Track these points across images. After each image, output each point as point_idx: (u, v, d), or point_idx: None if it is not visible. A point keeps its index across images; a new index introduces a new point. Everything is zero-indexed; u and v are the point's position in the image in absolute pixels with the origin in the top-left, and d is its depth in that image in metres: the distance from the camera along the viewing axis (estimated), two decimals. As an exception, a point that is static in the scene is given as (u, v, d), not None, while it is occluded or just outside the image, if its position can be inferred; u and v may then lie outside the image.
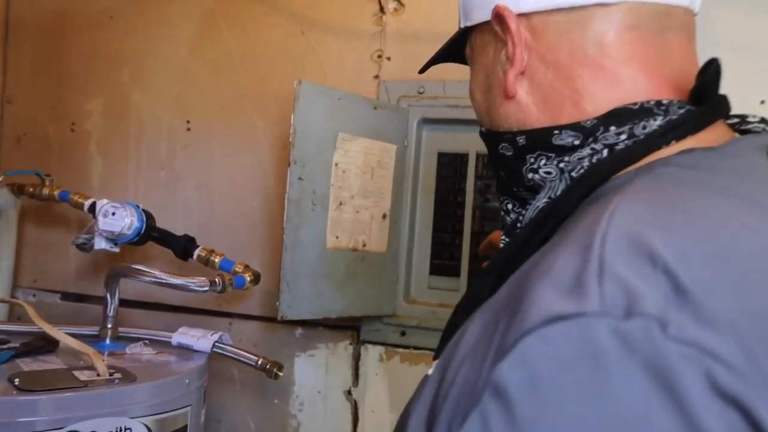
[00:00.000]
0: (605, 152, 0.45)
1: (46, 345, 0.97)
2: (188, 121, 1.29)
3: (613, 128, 0.45)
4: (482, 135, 0.55)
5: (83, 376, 0.86)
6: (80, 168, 1.34)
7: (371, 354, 1.18)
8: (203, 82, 1.29)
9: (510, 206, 0.52)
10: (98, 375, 0.86)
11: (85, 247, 1.12)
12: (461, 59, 0.58)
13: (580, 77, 0.46)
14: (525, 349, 0.32)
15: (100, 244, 1.10)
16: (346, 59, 1.21)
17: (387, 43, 1.18)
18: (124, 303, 1.17)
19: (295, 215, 1.01)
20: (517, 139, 0.49)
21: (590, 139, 0.45)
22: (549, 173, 0.47)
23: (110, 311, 1.08)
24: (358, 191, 1.10)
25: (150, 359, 1.00)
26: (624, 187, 0.40)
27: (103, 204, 1.07)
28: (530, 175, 0.49)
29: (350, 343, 1.20)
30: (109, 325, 1.08)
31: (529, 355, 0.32)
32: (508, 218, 0.53)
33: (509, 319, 0.34)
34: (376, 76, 1.19)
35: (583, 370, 0.30)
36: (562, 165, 0.47)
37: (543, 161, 0.48)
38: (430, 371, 0.40)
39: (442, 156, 1.17)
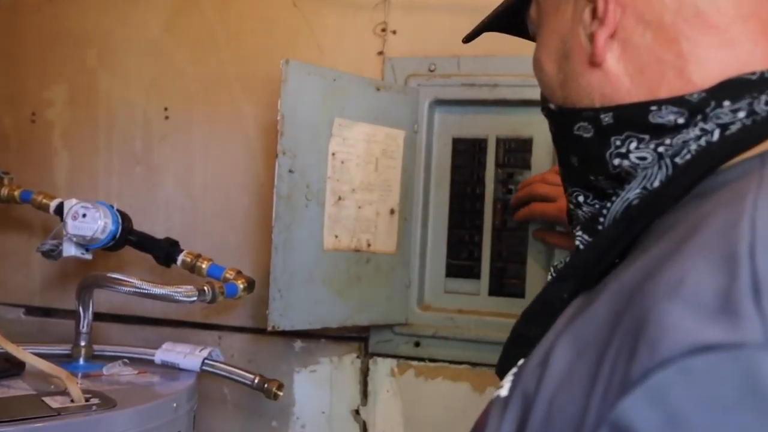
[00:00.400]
0: (716, 133, 0.41)
1: (10, 368, 0.95)
2: (166, 109, 1.26)
3: (726, 103, 0.41)
4: (550, 113, 0.51)
5: (55, 402, 0.83)
6: (43, 164, 1.32)
7: (381, 368, 1.16)
8: (182, 63, 1.25)
9: (581, 198, 0.48)
10: (72, 401, 0.84)
11: (53, 254, 1.09)
12: (517, 27, 0.54)
13: (687, 39, 0.42)
14: (661, 383, 0.28)
15: (69, 250, 1.07)
16: (346, 34, 1.18)
17: (392, 14, 1.16)
18: (97, 317, 1.16)
19: (286, 213, 0.99)
20: (602, 117, 0.45)
21: (698, 117, 0.41)
22: (643, 159, 0.43)
23: (83, 327, 1.06)
24: (360, 184, 1.07)
25: (131, 381, 0.98)
26: (753, 181, 0.36)
27: (71, 204, 1.04)
28: (616, 161, 0.45)
29: (357, 357, 1.18)
30: (83, 343, 1.06)
31: (668, 391, 0.28)
32: (579, 212, 0.49)
33: (630, 344, 0.30)
34: (380, 53, 1.17)
35: (746, 414, 0.27)
36: (661, 149, 0.43)
37: (634, 144, 0.44)
38: (502, 392, 0.36)
39: (457, 142, 1.14)
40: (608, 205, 0.46)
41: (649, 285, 0.32)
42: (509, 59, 1.10)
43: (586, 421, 0.30)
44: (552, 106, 0.50)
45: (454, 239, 1.14)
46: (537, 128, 1.10)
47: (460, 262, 1.14)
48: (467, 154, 1.13)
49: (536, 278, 1.09)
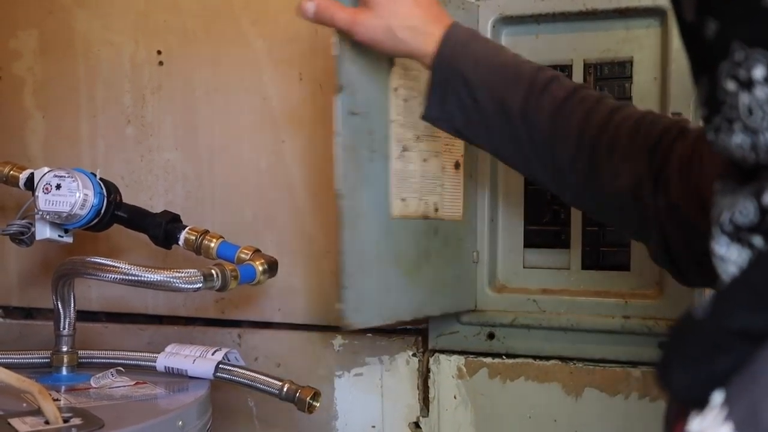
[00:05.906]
0: None
1: (-27, 383, 0.94)
2: (159, 52, 1.24)
3: None
4: None
5: (25, 425, 0.80)
6: (13, 129, 1.31)
7: (445, 368, 1.13)
8: (176, -6, 1.23)
9: (759, 72, 0.37)
10: (47, 422, 0.81)
11: (23, 237, 1.05)
12: None
13: None
14: None
15: (43, 232, 1.04)
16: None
17: None
18: (89, 316, 1.18)
19: (352, 171, 0.87)
20: None
21: None
22: None
23: (64, 328, 1.03)
24: (425, 130, 0.96)
25: (126, 394, 0.96)
26: None
27: (42, 174, 1.00)
28: None
29: (414, 354, 1.15)
30: (65, 348, 1.03)
31: None
32: (744, 97, 0.38)
33: None
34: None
35: None
36: None
37: None
38: None
39: (532, 71, 1.06)
40: None
41: None
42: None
43: None
44: None
45: (534, 199, 1.09)
46: (639, 45, 1.02)
47: (543, 228, 1.10)
48: (546, 86, 1.05)
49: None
